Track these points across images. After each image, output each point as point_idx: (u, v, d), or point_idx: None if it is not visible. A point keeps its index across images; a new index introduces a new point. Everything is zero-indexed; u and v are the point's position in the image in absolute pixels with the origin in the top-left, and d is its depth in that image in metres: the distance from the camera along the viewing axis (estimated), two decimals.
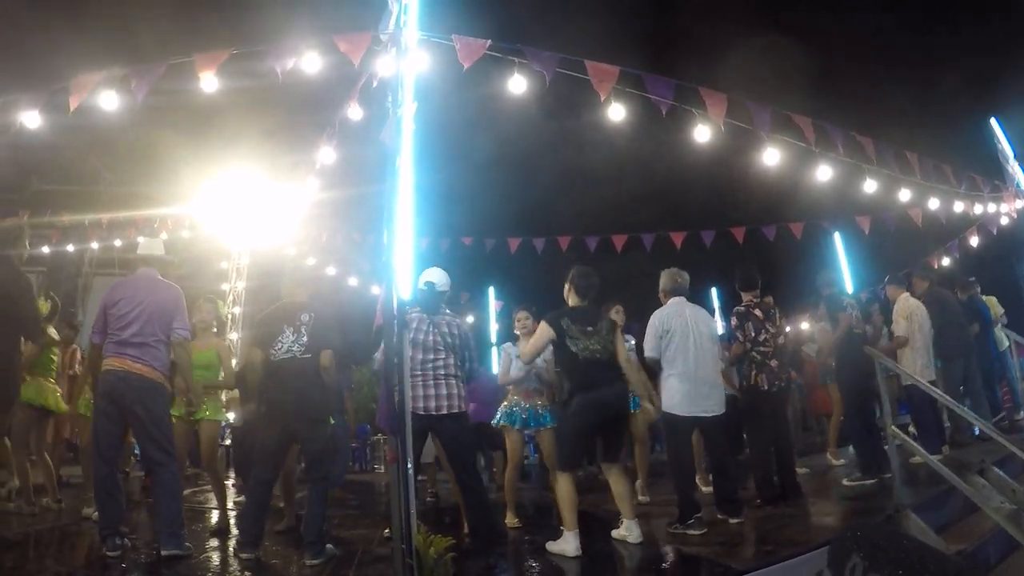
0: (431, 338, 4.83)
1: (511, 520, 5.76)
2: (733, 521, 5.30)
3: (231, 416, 9.40)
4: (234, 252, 12.05)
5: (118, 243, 12.13)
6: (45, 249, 12.21)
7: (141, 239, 5.39)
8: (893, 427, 5.36)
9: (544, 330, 4.96)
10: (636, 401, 6.58)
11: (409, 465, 3.71)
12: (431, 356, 4.79)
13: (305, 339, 4.74)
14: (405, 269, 3.93)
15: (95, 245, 12.18)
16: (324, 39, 4.75)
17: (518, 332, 6.21)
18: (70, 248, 12.38)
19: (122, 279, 5.36)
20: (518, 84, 4.95)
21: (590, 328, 4.94)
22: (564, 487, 4.81)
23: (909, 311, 7.43)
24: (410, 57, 4.45)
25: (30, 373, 6.26)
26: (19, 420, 6.24)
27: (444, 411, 4.68)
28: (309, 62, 4.73)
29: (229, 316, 11.47)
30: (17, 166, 13.88)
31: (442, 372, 4.78)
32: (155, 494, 4.76)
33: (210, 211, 10.96)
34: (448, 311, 5.03)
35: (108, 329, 4.74)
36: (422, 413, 4.60)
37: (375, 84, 4.79)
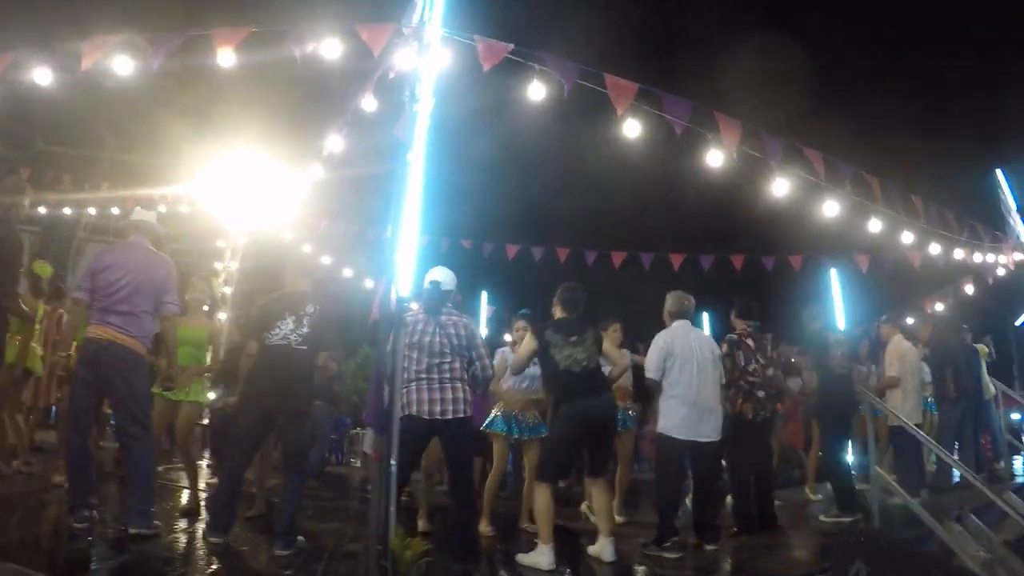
0: (437, 340, 4.65)
1: (485, 529, 5.71)
2: (709, 547, 5.29)
3: (212, 396, 9.35)
4: (231, 232, 11.94)
5: (115, 211, 12.05)
6: (42, 210, 12.13)
7: (138, 209, 5.26)
8: (877, 468, 5.37)
9: (528, 342, 4.96)
10: (625, 420, 6.59)
11: (393, 464, 3.68)
12: (436, 360, 4.61)
13: (305, 330, 4.73)
14: (407, 266, 3.88)
15: (92, 211, 12.09)
16: (347, 26, 4.72)
17: (516, 340, 6.20)
18: (67, 211, 12.29)
19: (112, 246, 5.27)
20: (537, 91, 4.91)
21: (574, 337, 4.92)
22: (542, 499, 4.79)
23: (902, 352, 7.45)
24: (431, 53, 4.42)
25: (16, 334, 6.17)
26: (2, 382, 6.21)
27: (450, 415, 4.52)
28: (329, 48, 4.69)
29: (221, 295, 11.35)
30: (24, 123, 13.77)
31: (448, 376, 4.61)
32: (127, 469, 4.71)
33: (210, 189, 10.86)
34: (454, 311, 4.86)
35: (94, 294, 4.65)
36: (427, 417, 4.48)
37: (392, 76, 4.75)
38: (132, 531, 4.39)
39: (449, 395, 4.58)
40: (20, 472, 6.55)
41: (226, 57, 4.66)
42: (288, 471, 4.81)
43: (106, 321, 4.58)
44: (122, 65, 4.86)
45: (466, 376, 4.72)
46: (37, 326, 6.63)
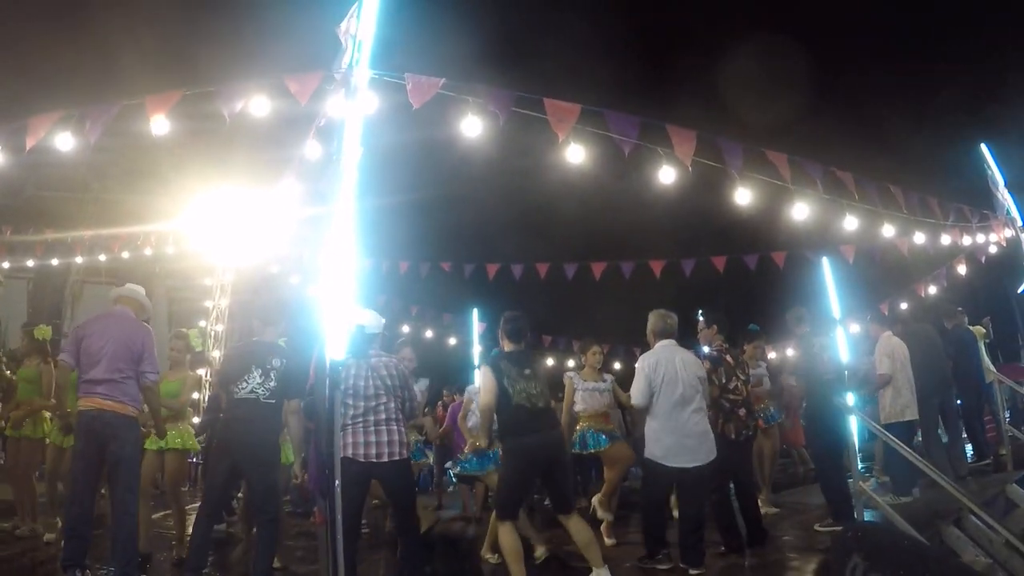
0: (370, 383, 4.67)
1: (490, 556, 5.74)
2: (693, 573, 5.17)
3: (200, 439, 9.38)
4: (218, 269, 11.97)
5: (103, 257, 12.14)
6: (30, 263, 12.25)
7: (128, 284, 5.43)
8: (861, 483, 5.23)
9: (487, 378, 4.86)
10: (612, 434, 6.49)
11: (339, 528, 3.62)
12: (372, 403, 4.64)
13: (272, 384, 4.76)
14: (338, 328, 3.80)
15: (79, 259, 12.18)
16: (275, 79, 4.67)
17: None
18: (54, 262, 12.39)
19: (97, 315, 5.45)
20: (472, 125, 4.83)
21: (528, 371, 4.85)
22: (505, 538, 4.71)
23: (891, 349, 7.29)
24: (359, 98, 4.34)
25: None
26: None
27: (385, 458, 4.56)
28: (258, 105, 4.66)
29: (212, 334, 11.41)
30: (14, 173, 13.89)
31: (383, 417, 4.64)
32: (111, 530, 4.86)
33: (194, 227, 10.91)
34: (382, 353, 4.89)
35: (80, 362, 4.85)
36: (362, 460, 4.51)
37: (322, 124, 4.69)
38: None
39: (384, 437, 4.62)
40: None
41: (159, 124, 4.66)
42: (260, 520, 4.86)
43: (93, 392, 4.78)
44: (63, 142, 5.01)
45: (401, 416, 4.76)
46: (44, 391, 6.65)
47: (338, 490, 3.63)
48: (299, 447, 4.97)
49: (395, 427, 4.68)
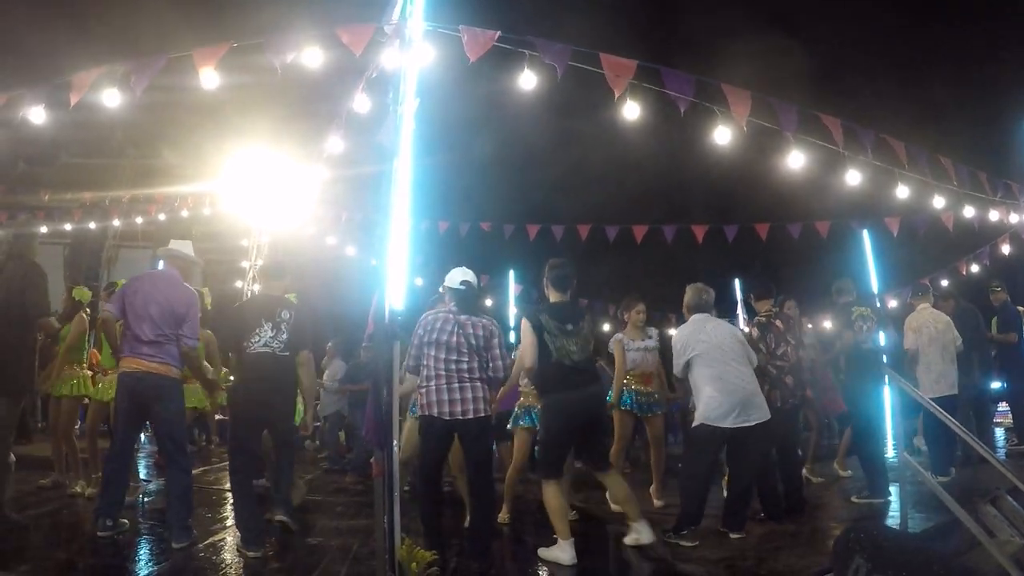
0: (456, 339, 4.58)
1: (503, 516, 5.76)
2: (734, 536, 5.15)
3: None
4: (254, 230, 12.01)
5: (139, 220, 12.24)
6: (67, 226, 12.38)
7: (173, 241, 5.39)
8: (905, 455, 5.15)
9: (528, 334, 4.80)
10: (651, 404, 6.46)
11: (395, 478, 3.63)
12: (454, 356, 4.56)
13: (284, 336, 4.89)
14: (399, 277, 3.78)
15: (116, 223, 12.30)
16: (327, 31, 4.61)
17: None
18: (92, 226, 12.52)
19: (145, 273, 5.55)
20: (528, 79, 4.75)
21: (569, 326, 4.78)
22: (550, 496, 4.71)
23: (917, 325, 7.18)
24: (414, 50, 4.28)
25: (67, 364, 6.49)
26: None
27: (471, 415, 4.49)
28: (311, 56, 4.60)
29: (248, 293, 11.46)
30: (46, 140, 14.01)
31: (467, 375, 4.56)
32: (167, 486, 5.00)
33: (231, 189, 10.94)
34: (473, 311, 4.79)
35: (126, 319, 4.91)
36: (447, 418, 4.47)
37: (374, 75, 4.64)
38: (175, 545, 4.63)
39: (469, 394, 4.54)
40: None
41: (208, 77, 4.62)
42: (279, 449, 5.24)
43: (138, 352, 4.82)
44: (109, 97, 5.00)
45: (484, 376, 4.66)
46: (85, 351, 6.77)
47: (396, 443, 3.63)
48: (310, 400, 5.15)
49: (478, 384, 4.60)
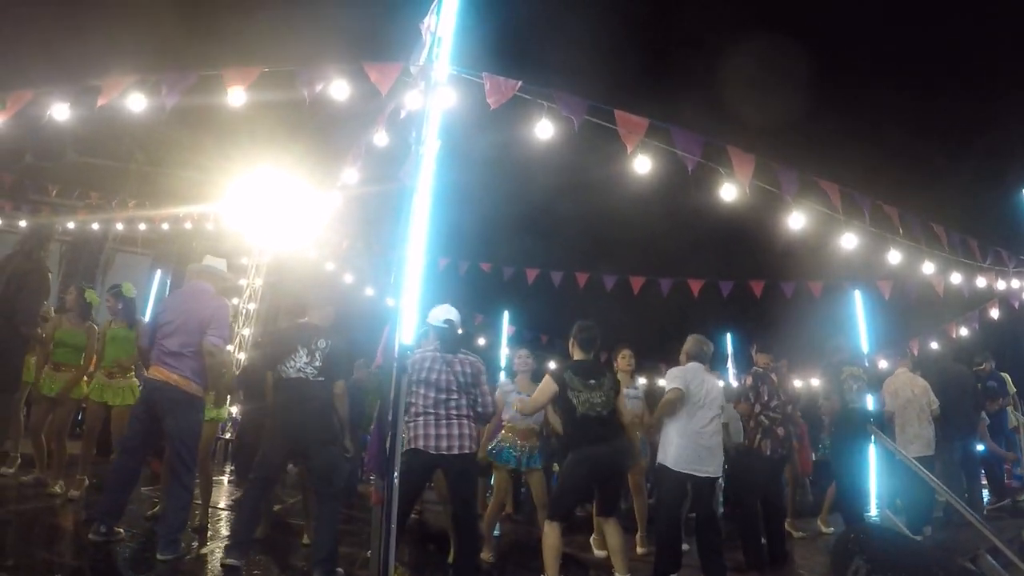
0: (444, 377, 4.76)
1: (486, 555, 5.77)
2: None
3: (234, 410, 9.51)
4: (256, 250, 12.11)
5: (143, 227, 12.32)
6: (71, 225, 12.44)
7: (208, 257, 5.46)
8: (886, 511, 5.27)
9: (547, 384, 4.98)
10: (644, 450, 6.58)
11: (394, 508, 3.71)
12: (443, 396, 4.72)
13: (319, 363, 4.81)
14: (411, 312, 3.90)
15: (120, 226, 12.35)
16: (354, 65, 4.78)
17: (516, 370, 6.24)
18: (95, 227, 12.58)
19: (177, 290, 5.67)
20: (544, 128, 4.93)
21: (592, 381, 4.93)
22: (550, 536, 4.80)
23: (895, 387, 7.39)
24: (438, 92, 4.45)
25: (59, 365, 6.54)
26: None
27: (455, 451, 4.62)
28: (338, 88, 4.77)
29: (244, 312, 11.55)
30: (54, 135, 14.12)
31: (454, 412, 4.72)
32: (167, 498, 4.98)
33: (236, 206, 11.05)
34: (464, 350, 4.96)
35: (156, 337, 4.97)
36: (433, 452, 4.58)
37: (402, 115, 4.80)
38: (160, 557, 4.63)
39: (456, 431, 4.67)
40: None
41: (236, 96, 4.75)
42: (320, 498, 4.85)
43: (164, 362, 4.89)
44: (137, 103, 5.06)
45: (471, 413, 4.81)
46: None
47: (396, 471, 3.72)
48: (347, 425, 4.98)
49: (465, 421, 4.74)
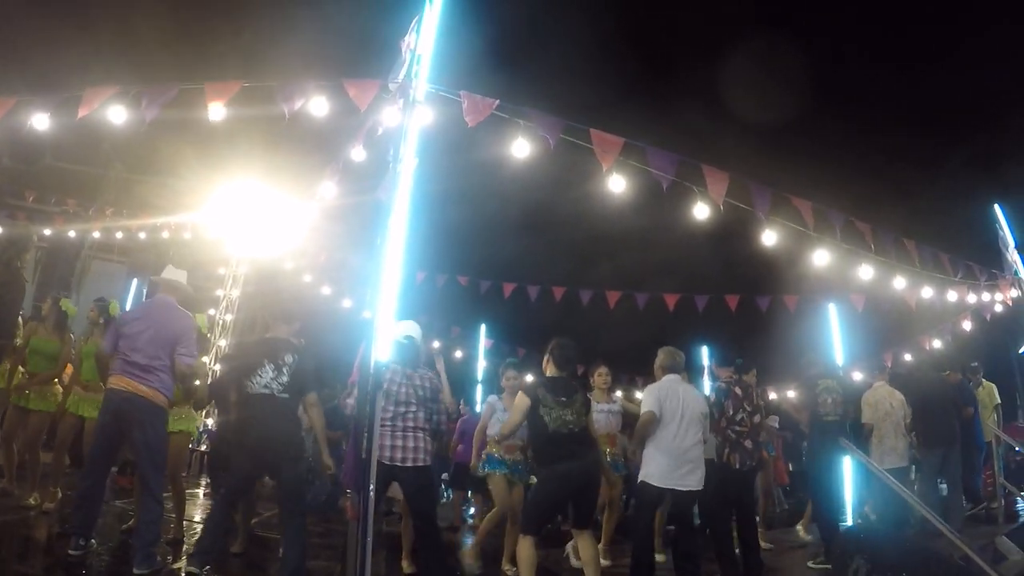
0: (403, 390, 4.89)
1: (506, 566, 5.88)
2: None
3: (209, 422, 9.46)
4: (233, 260, 12.06)
5: (120, 235, 12.23)
6: (47, 231, 12.31)
7: (169, 268, 5.43)
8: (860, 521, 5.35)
9: (521, 401, 5.03)
10: (616, 465, 6.64)
11: (370, 524, 3.74)
12: (402, 409, 4.84)
13: (286, 379, 4.74)
14: (387, 330, 3.94)
15: (96, 234, 12.25)
16: (334, 81, 4.81)
17: (504, 387, 6.29)
18: (72, 234, 12.46)
19: (141, 304, 5.60)
20: (521, 147, 4.99)
21: (564, 398, 4.98)
22: (524, 549, 4.85)
23: (874, 400, 7.51)
24: (416, 110, 4.50)
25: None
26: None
27: (409, 463, 4.73)
28: (317, 105, 4.80)
29: (220, 322, 11.49)
30: (32, 138, 13.98)
31: (411, 425, 4.83)
32: (139, 511, 4.96)
33: (214, 216, 11.01)
34: (423, 367, 5.10)
35: (119, 348, 4.91)
36: (387, 463, 4.65)
37: (379, 132, 4.84)
38: (136, 571, 4.58)
39: (411, 443, 4.81)
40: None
41: (216, 111, 4.77)
42: (286, 514, 4.77)
43: (130, 373, 4.83)
44: (117, 115, 5.03)
45: (428, 427, 4.95)
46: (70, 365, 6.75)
47: (372, 486, 3.74)
48: (323, 439, 4.91)
49: (421, 435, 4.86)
